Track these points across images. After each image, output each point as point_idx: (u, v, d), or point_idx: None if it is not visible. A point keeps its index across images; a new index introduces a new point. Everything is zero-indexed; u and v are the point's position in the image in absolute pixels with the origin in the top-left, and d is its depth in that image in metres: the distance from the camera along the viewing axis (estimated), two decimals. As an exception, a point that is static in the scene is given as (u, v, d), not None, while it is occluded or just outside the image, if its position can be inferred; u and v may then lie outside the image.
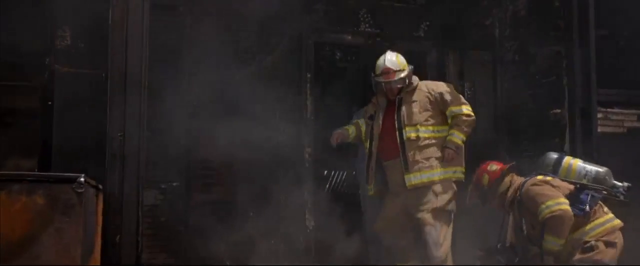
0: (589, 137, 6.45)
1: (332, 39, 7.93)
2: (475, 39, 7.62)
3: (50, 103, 6.08)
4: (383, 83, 6.36)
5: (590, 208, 5.41)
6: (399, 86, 6.36)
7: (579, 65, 6.58)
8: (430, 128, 6.26)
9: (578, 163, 5.74)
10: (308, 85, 7.61)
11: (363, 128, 6.62)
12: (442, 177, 6.20)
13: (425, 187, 6.19)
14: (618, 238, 5.46)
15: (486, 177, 5.80)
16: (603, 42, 7.12)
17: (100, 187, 5.26)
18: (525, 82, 7.00)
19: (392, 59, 6.36)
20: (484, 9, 7.64)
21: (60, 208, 4.29)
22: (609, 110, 7.12)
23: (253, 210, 7.21)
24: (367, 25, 7.89)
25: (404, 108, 6.30)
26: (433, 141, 6.26)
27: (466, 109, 6.28)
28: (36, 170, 5.99)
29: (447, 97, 6.30)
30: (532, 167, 5.87)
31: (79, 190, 4.33)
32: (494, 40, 7.70)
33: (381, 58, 6.41)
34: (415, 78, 6.43)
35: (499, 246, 5.74)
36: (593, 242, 5.43)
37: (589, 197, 5.46)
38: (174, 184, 7.08)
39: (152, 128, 6.97)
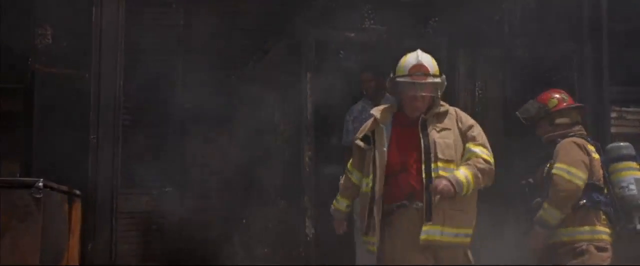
0: (601, 138, 6.18)
1: (334, 37, 7.75)
2: (485, 35, 7.41)
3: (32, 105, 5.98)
4: (413, 86, 4.78)
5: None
6: (431, 96, 4.85)
7: (590, 61, 6.34)
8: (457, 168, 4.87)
9: (632, 175, 5.49)
10: (308, 85, 7.39)
11: (354, 178, 5.10)
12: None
13: (451, 247, 4.75)
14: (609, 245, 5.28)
15: (555, 100, 5.56)
16: (624, 36, 6.86)
17: (78, 192, 5.14)
18: (536, 80, 6.78)
19: (427, 58, 4.93)
20: (494, 3, 7.44)
21: (17, 214, 4.13)
22: (624, 109, 6.83)
23: (249, 218, 7.06)
24: (371, 21, 7.70)
25: (433, 134, 4.76)
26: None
27: (488, 154, 4.86)
28: (18, 174, 5.89)
29: (474, 132, 4.89)
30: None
31: (37, 196, 4.17)
32: (503, 36, 7.48)
33: (410, 54, 4.94)
34: (445, 103, 5.06)
35: (523, 182, 5.61)
36: (585, 246, 5.25)
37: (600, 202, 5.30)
38: (167, 190, 6.94)
39: (144, 132, 6.91)
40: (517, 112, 5.71)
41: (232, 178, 7.15)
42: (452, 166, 4.64)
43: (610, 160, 5.47)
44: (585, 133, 5.56)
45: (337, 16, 7.56)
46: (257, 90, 7.19)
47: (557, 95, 5.60)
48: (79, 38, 5.82)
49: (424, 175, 4.61)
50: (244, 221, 6.93)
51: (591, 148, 5.38)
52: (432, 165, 4.60)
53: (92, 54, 5.08)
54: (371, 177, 4.76)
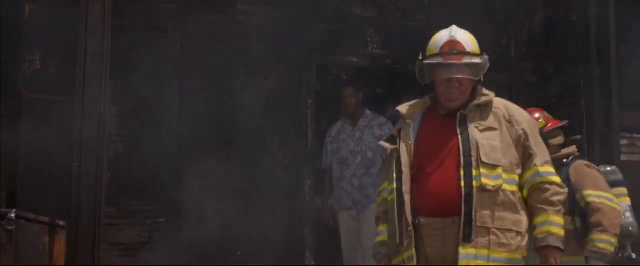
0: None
1: (336, 61, 7.65)
2: (491, 59, 7.28)
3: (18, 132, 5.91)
4: (447, 68, 3.76)
5: None
6: (470, 79, 3.79)
7: (598, 86, 6.18)
8: (516, 178, 3.76)
9: (625, 201, 5.31)
10: (309, 111, 7.28)
11: (386, 193, 3.94)
12: None
13: None
14: None
15: (543, 120, 5.28)
16: (634, 60, 6.71)
17: (61, 223, 5.04)
18: (543, 105, 6.64)
19: (462, 33, 3.86)
20: (500, 26, 7.32)
21: (-12, 246, 4.03)
22: (635, 135, 6.65)
23: (248, 248, 6.95)
24: (374, 45, 7.62)
25: (474, 132, 3.75)
26: (518, 201, 3.75)
27: (555, 174, 3.85)
28: (4, 204, 5.80)
29: (532, 141, 3.79)
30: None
31: (9, 227, 4.07)
32: (510, 60, 7.35)
33: (442, 31, 3.90)
34: (489, 91, 3.90)
35: None
36: None
37: None
38: (160, 220, 6.84)
39: (139, 159, 6.83)
40: None
41: (229, 207, 7.04)
42: (497, 171, 3.66)
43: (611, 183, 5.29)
44: (578, 154, 5.38)
45: (338, 40, 7.50)
46: (256, 116, 7.10)
47: (539, 114, 5.29)
48: (67, 64, 5.73)
49: (462, 183, 3.64)
50: (239, 253, 6.81)
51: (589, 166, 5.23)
52: (474, 171, 3.64)
53: (76, 80, 4.98)
54: (395, 178, 3.79)
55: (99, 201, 4.75)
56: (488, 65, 3.84)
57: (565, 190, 3.82)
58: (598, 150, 6.18)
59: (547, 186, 3.71)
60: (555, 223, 3.71)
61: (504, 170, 3.69)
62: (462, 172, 3.65)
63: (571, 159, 5.18)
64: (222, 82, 7.13)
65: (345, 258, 6.62)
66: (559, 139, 5.29)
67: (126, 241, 6.56)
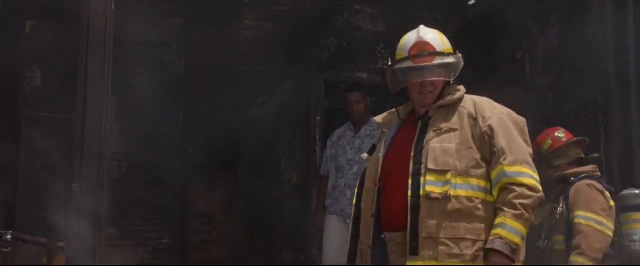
0: (631, 186, 5.89)
1: (346, 77, 7.58)
2: (505, 75, 7.24)
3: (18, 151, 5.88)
4: (417, 71, 3.63)
5: None
6: (439, 80, 3.62)
7: (617, 102, 6.09)
8: (474, 182, 3.49)
9: None
10: (317, 129, 7.18)
11: None
12: None
13: None
14: None
15: (549, 141, 5.27)
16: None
17: (60, 244, 4.99)
18: (560, 123, 6.58)
19: (431, 33, 3.71)
20: (514, 40, 7.27)
21: (-17, 268, 3.98)
22: (656, 154, 6.57)
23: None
24: (385, 61, 7.57)
25: (430, 136, 3.56)
26: (476, 207, 3.47)
27: (530, 177, 3.46)
28: (3, 224, 5.77)
29: (501, 138, 3.49)
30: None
31: (5, 250, 4.03)
32: (525, 76, 7.30)
33: (410, 32, 3.75)
34: (461, 87, 3.71)
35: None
36: None
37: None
38: (164, 241, 6.80)
39: (142, 179, 6.80)
40: None
41: (236, 229, 7.00)
42: (446, 178, 3.43)
43: (623, 208, 5.14)
44: (599, 174, 5.31)
45: (348, 56, 7.47)
46: (263, 134, 7.06)
47: (555, 134, 5.30)
48: (69, 80, 5.70)
49: (410, 192, 3.44)
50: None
51: (608, 194, 5.15)
52: (421, 179, 3.44)
53: (77, 97, 4.95)
54: (356, 194, 3.76)
55: (100, 222, 4.69)
56: (462, 63, 3.67)
57: (536, 195, 3.42)
58: (616, 169, 6.09)
59: (513, 187, 3.40)
60: (510, 228, 3.38)
61: (458, 175, 3.45)
62: (410, 181, 3.48)
63: (579, 178, 5.12)
64: (228, 99, 7.11)
65: (325, 262, 6.31)
66: (564, 161, 5.24)
67: (129, 263, 6.51)
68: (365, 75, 7.56)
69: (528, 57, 7.31)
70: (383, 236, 3.57)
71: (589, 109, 6.46)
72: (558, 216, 5.13)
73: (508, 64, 7.26)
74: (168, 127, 6.91)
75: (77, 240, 4.69)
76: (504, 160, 3.43)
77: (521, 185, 3.40)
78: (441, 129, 3.54)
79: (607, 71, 6.24)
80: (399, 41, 3.77)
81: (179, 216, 6.89)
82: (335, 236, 6.20)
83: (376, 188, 3.61)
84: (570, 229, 5.00)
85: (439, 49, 3.66)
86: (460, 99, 3.62)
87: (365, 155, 3.92)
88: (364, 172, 3.80)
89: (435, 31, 3.74)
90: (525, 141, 3.55)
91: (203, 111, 7.06)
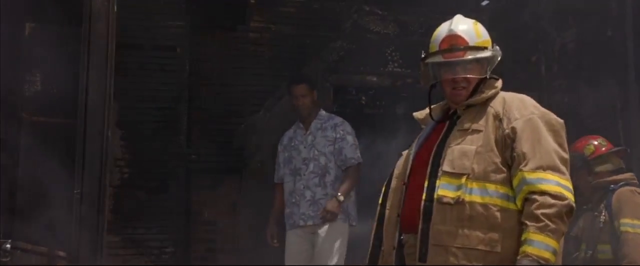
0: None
1: (355, 81, 7.58)
2: (520, 78, 7.21)
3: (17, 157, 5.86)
4: (447, 67, 3.48)
5: None
6: (473, 77, 3.47)
7: (636, 106, 6.06)
8: (492, 188, 3.29)
9: None
10: (325, 134, 7.25)
11: None
12: None
13: None
14: None
15: (591, 147, 5.34)
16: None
17: (61, 253, 4.97)
18: (577, 126, 6.56)
19: (465, 25, 3.53)
20: (529, 43, 7.24)
21: (-19, 279, 3.96)
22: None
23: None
24: (395, 64, 7.57)
25: (454, 136, 3.42)
26: (493, 215, 3.27)
27: (555, 183, 3.23)
28: (2, 235, 5.75)
29: (524, 142, 3.28)
30: None
31: (4, 259, 4.01)
32: (540, 79, 7.26)
33: (443, 25, 3.59)
34: (498, 84, 3.52)
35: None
36: None
37: None
38: (168, 250, 6.78)
39: (145, 185, 6.78)
40: None
41: (241, 236, 6.97)
42: (461, 182, 3.28)
43: None
44: (637, 181, 5.31)
45: (357, 59, 7.45)
46: (269, 140, 7.04)
47: (595, 142, 5.36)
48: (70, 84, 5.69)
49: (424, 195, 3.33)
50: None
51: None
52: (437, 182, 3.32)
53: (78, 101, 4.93)
54: (383, 192, 3.61)
55: (102, 230, 4.67)
56: (500, 57, 3.52)
57: (560, 202, 3.18)
58: (637, 175, 6.05)
59: (535, 196, 3.19)
60: (536, 243, 3.17)
61: (474, 180, 3.28)
62: (426, 183, 3.35)
63: (620, 185, 5.12)
64: (233, 103, 7.08)
65: None
66: (607, 167, 5.24)
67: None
68: (375, 79, 7.56)
69: (543, 59, 7.27)
70: (401, 238, 3.46)
71: (608, 114, 6.43)
72: (601, 225, 5.10)
73: (523, 67, 7.22)
74: (171, 133, 6.89)
75: (78, 249, 4.68)
76: (525, 165, 3.23)
77: (543, 193, 3.18)
78: (466, 130, 3.39)
79: (627, 75, 6.20)
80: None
81: (183, 224, 6.85)
82: (295, 253, 6.04)
83: (404, 187, 3.50)
84: (615, 237, 4.98)
85: (472, 42, 3.48)
86: (492, 97, 3.44)
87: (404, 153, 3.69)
88: (393, 170, 3.64)
89: (471, 21, 3.57)
90: (560, 144, 3.32)
91: (207, 116, 7.03)
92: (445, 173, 3.32)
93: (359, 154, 6.09)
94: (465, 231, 3.26)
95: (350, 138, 6.09)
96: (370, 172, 6.93)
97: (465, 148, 3.34)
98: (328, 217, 5.86)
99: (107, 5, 5.06)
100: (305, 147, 6.07)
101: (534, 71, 7.28)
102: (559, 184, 3.23)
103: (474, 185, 3.28)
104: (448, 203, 3.28)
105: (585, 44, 6.78)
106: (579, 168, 5.25)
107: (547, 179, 3.22)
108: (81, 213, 4.62)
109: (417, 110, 3.76)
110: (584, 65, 6.74)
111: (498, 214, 3.25)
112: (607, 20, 6.46)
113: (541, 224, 3.16)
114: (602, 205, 5.18)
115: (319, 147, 6.04)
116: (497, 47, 3.53)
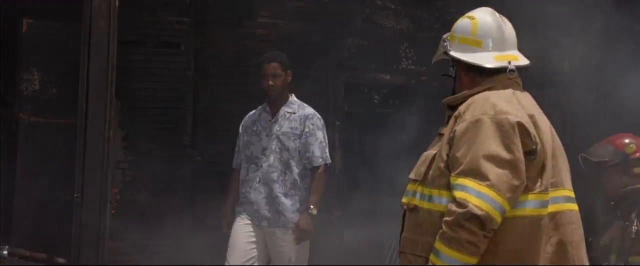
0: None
1: (367, 79, 7.56)
2: (540, 75, 7.18)
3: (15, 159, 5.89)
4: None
5: None
6: (462, 72, 3.53)
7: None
8: (436, 193, 3.28)
9: None
10: (337, 135, 7.24)
11: None
12: None
13: None
14: None
15: (633, 146, 5.25)
16: None
17: (61, 260, 4.98)
18: (602, 126, 6.52)
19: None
20: (550, 38, 7.21)
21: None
22: None
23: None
24: (409, 61, 7.55)
25: (433, 140, 3.48)
26: (435, 221, 3.26)
27: (463, 188, 3.15)
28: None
29: (462, 143, 3.22)
30: None
31: (1, 266, 4.00)
32: (562, 76, 7.20)
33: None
34: (484, 82, 3.41)
35: (590, 240, 5.22)
36: None
37: None
38: (172, 255, 6.76)
39: (148, 188, 6.77)
40: (584, 154, 5.39)
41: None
42: (415, 188, 3.37)
43: None
44: None
45: (369, 56, 7.43)
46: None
47: (634, 141, 5.28)
48: (69, 84, 5.70)
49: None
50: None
51: None
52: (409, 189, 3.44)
53: (79, 101, 4.94)
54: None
55: (103, 235, 4.66)
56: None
57: (460, 210, 3.11)
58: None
59: (450, 204, 3.19)
60: (433, 250, 3.20)
61: (424, 185, 3.32)
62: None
63: None
64: (240, 102, 7.05)
65: None
66: None
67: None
68: (388, 76, 7.54)
69: (565, 55, 7.24)
70: None
71: (633, 113, 6.39)
72: (633, 236, 5.06)
73: (541, 63, 7.18)
74: (176, 133, 6.89)
75: (79, 256, 4.67)
76: (454, 170, 3.21)
77: (453, 200, 3.17)
78: (440, 133, 3.42)
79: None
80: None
81: (189, 228, 6.84)
82: (239, 241, 5.64)
83: None
84: None
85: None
86: (466, 98, 3.37)
87: None
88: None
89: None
90: (506, 146, 3.19)
91: (213, 116, 7.02)
92: (410, 179, 3.42)
93: (328, 154, 5.70)
94: (417, 237, 3.32)
95: (320, 135, 5.69)
96: (383, 173, 6.94)
97: (428, 153, 3.39)
98: (302, 237, 5.50)
99: (109, 1, 5.05)
100: (267, 135, 5.70)
101: (555, 68, 7.24)
102: (468, 190, 3.15)
103: (426, 191, 3.32)
104: (407, 210, 3.39)
105: (609, 38, 6.76)
106: (615, 165, 5.23)
107: (461, 185, 3.17)
108: (82, 218, 4.60)
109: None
110: (607, 60, 6.72)
111: (439, 220, 3.23)
112: (635, 13, 6.43)
113: (441, 231, 3.18)
114: (634, 214, 5.14)
115: (283, 139, 5.67)
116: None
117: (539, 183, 3.26)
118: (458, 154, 3.20)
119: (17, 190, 5.71)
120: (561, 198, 3.33)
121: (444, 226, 3.16)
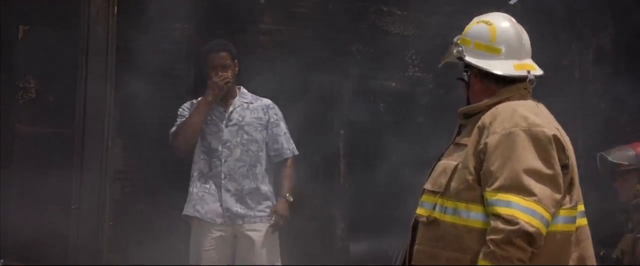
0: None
1: (372, 87, 7.57)
2: (552, 82, 7.20)
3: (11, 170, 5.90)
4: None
5: None
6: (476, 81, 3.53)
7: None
8: (463, 207, 3.27)
9: None
10: (341, 144, 7.24)
11: None
12: None
13: None
14: None
15: None
16: None
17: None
18: (615, 133, 6.52)
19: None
20: (562, 44, 7.23)
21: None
22: None
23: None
24: (416, 69, 7.57)
25: (449, 150, 3.46)
26: (461, 235, 3.26)
27: (508, 204, 3.14)
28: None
29: (495, 158, 3.19)
30: None
31: (-6, 279, 4.00)
32: (574, 83, 7.23)
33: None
34: (503, 91, 3.42)
35: (601, 253, 5.20)
36: None
37: None
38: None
39: (148, 199, 6.77)
40: (603, 153, 5.41)
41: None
42: (435, 200, 3.35)
43: None
44: None
45: (374, 63, 7.44)
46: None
47: None
48: (67, 92, 5.71)
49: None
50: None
51: None
52: (420, 199, 3.43)
53: (76, 110, 4.95)
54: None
55: (101, 248, 4.66)
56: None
57: (508, 228, 3.08)
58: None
59: (491, 220, 3.15)
60: None
61: (448, 198, 3.29)
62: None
63: None
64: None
65: None
66: None
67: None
68: (393, 84, 7.56)
69: (577, 62, 7.23)
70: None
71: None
72: None
73: (555, 70, 7.19)
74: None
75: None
76: (490, 185, 3.17)
77: (497, 217, 3.12)
78: (458, 143, 3.40)
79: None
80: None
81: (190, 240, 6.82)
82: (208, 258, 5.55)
83: None
84: None
85: None
86: (488, 107, 3.36)
87: None
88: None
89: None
90: (544, 159, 3.19)
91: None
92: (426, 190, 3.39)
93: (294, 145, 5.65)
94: (438, 251, 3.30)
95: (283, 125, 5.63)
96: (391, 180, 6.95)
97: (447, 164, 3.35)
98: (281, 222, 5.44)
99: (107, 7, 5.06)
100: (227, 126, 5.52)
101: (567, 74, 7.26)
102: (511, 206, 3.13)
103: (448, 204, 3.29)
104: (423, 222, 3.35)
105: (624, 45, 6.77)
106: (632, 170, 5.24)
107: (504, 201, 3.14)
108: (79, 229, 4.60)
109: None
110: (622, 67, 6.73)
111: (467, 235, 3.23)
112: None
113: (487, 250, 3.14)
114: None
115: (249, 131, 5.54)
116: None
117: (568, 199, 3.26)
118: (492, 168, 3.17)
119: (13, 201, 5.72)
120: (580, 213, 3.35)
121: (491, 245, 3.11)
